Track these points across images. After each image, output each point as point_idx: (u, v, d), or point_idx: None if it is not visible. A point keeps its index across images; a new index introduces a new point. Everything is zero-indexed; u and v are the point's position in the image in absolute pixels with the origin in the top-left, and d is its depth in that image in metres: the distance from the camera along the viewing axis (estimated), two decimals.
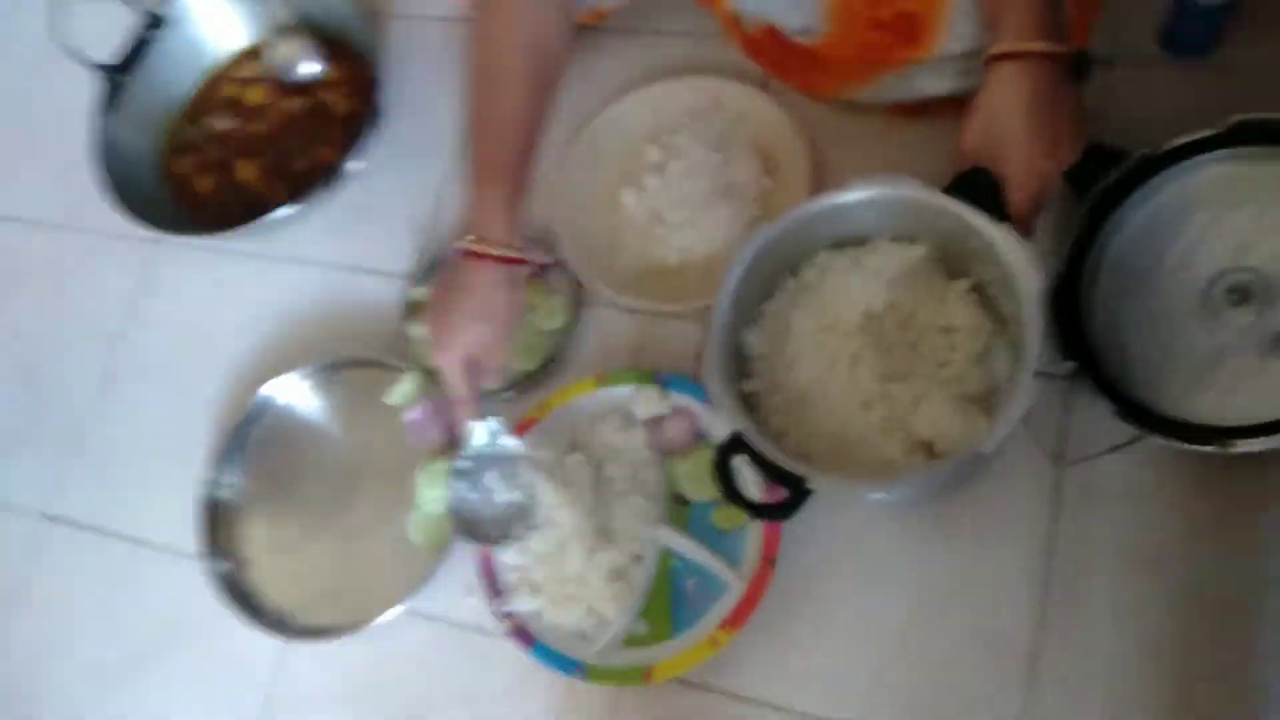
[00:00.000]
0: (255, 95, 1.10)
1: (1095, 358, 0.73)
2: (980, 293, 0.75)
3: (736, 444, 0.68)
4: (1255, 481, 0.70)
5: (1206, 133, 0.72)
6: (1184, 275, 0.72)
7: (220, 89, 1.12)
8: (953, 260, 0.75)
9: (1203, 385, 0.69)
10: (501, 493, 0.80)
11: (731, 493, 0.69)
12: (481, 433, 0.79)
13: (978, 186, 0.68)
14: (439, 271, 0.78)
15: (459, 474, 0.80)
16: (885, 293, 0.75)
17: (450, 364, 0.75)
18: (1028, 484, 0.75)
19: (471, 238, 0.74)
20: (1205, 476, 0.71)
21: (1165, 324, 0.72)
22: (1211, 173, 0.73)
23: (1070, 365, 0.72)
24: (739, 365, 0.75)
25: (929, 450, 0.71)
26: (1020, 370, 0.64)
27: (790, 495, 0.67)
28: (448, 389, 0.77)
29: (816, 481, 0.66)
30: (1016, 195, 0.67)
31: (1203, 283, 0.71)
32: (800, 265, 0.78)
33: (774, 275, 0.77)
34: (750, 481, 0.74)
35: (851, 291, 0.75)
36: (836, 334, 0.74)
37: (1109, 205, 0.75)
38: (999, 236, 0.66)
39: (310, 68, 1.08)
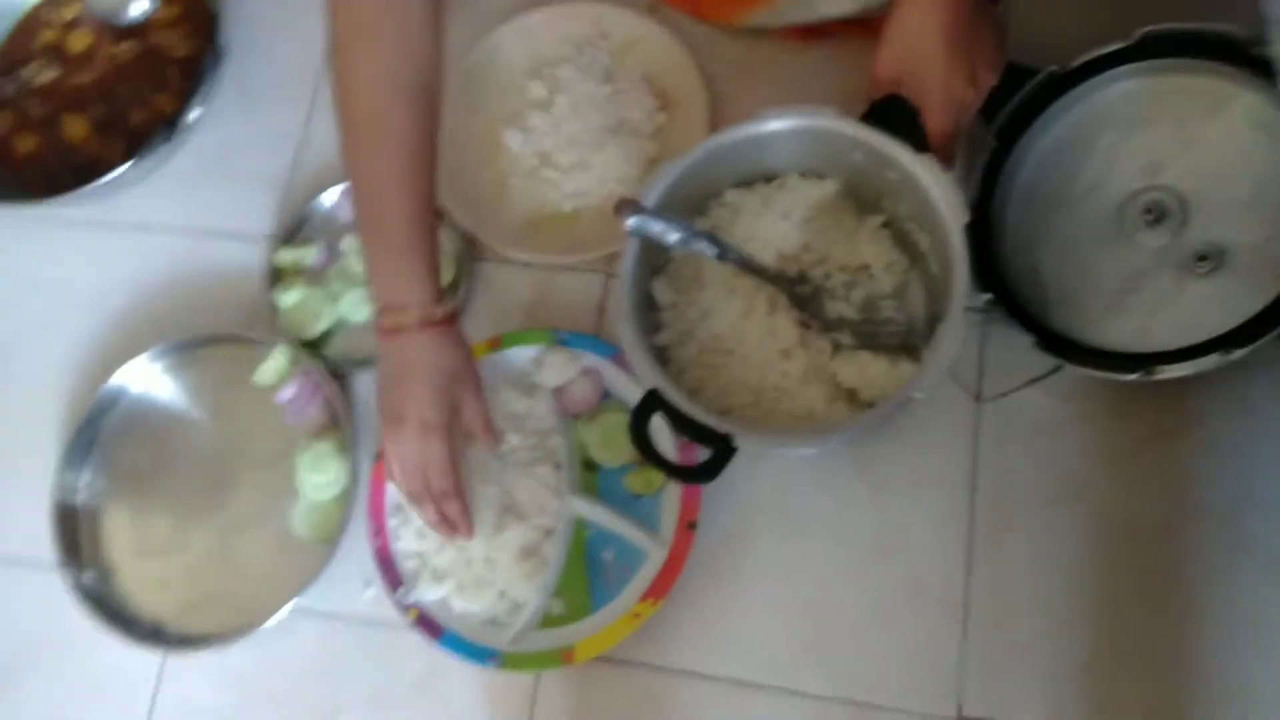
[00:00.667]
0: (79, 41, 0.97)
1: (1010, 287, 0.70)
2: (892, 228, 0.71)
3: (653, 403, 0.63)
4: (1176, 406, 0.69)
5: (1114, 46, 0.69)
6: (1097, 197, 0.70)
7: (37, 35, 0.99)
8: (864, 196, 0.72)
9: (1121, 310, 0.67)
10: None
11: (651, 455, 0.65)
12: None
13: (895, 115, 0.64)
14: (377, 365, 0.69)
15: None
16: (798, 233, 0.71)
17: (437, 445, 0.66)
18: (948, 423, 0.73)
19: (384, 313, 0.65)
20: (1126, 404, 0.70)
21: (1080, 249, 0.70)
22: (1122, 88, 0.70)
23: (986, 296, 0.69)
24: (648, 317, 0.70)
25: (852, 398, 0.68)
26: (950, 309, 0.61)
27: (713, 455, 0.63)
28: (431, 476, 0.67)
29: (742, 440, 0.62)
30: (936, 123, 0.64)
31: (1116, 204, 0.69)
32: (708, 205, 0.73)
33: (680, 217, 0.71)
34: (669, 442, 0.70)
35: (763, 232, 0.71)
36: (750, 279, 0.70)
37: (1017, 128, 0.72)
38: (920, 168, 0.63)
39: (140, 6, 0.96)
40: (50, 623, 0.82)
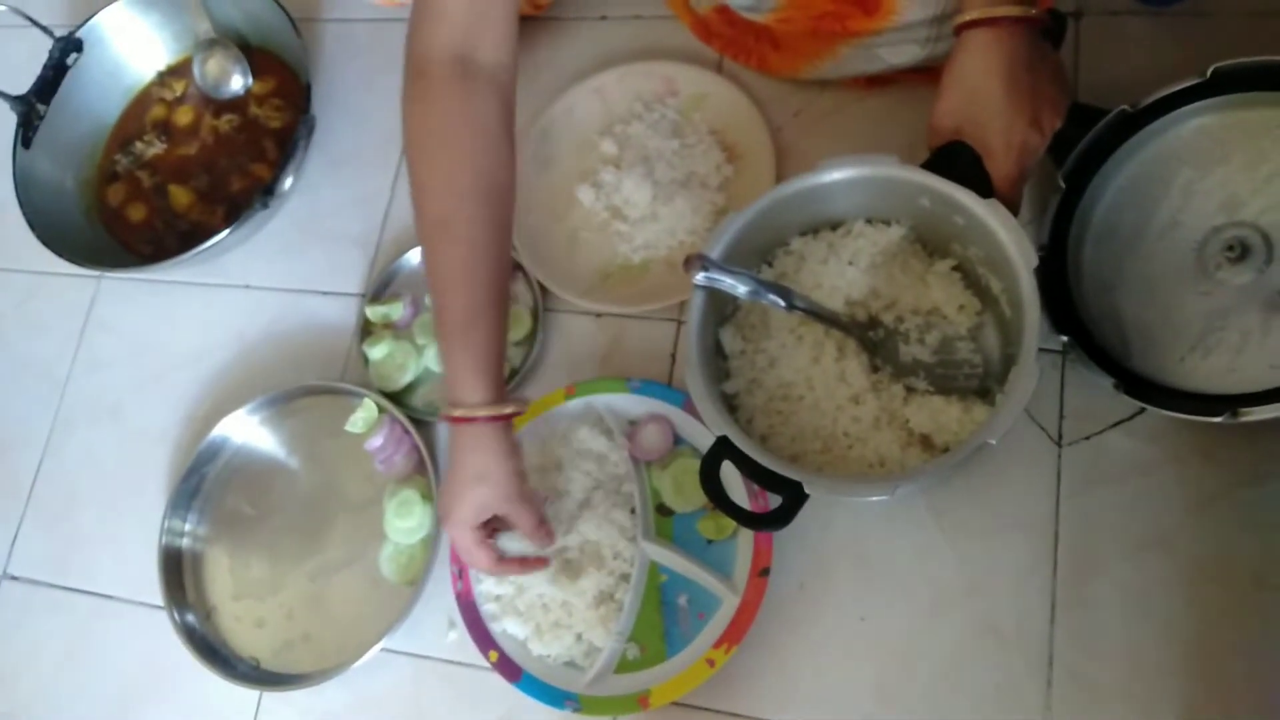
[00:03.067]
0: (183, 116, 1.05)
1: (1089, 329, 0.69)
2: (963, 272, 0.71)
3: (722, 450, 0.64)
4: (1266, 448, 0.67)
5: (1186, 84, 0.68)
6: (1175, 235, 0.69)
7: (147, 112, 1.07)
8: (932, 240, 0.72)
9: (1205, 350, 0.65)
10: None
11: (723, 502, 0.65)
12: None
13: (958, 161, 0.64)
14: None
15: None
16: (865, 278, 0.71)
17: (454, 533, 0.69)
18: (1028, 468, 0.71)
19: (450, 405, 0.67)
20: (1213, 446, 0.68)
21: (1160, 289, 0.68)
22: (1195, 125, 0.69)
23: (1064, 339, 0.68)
24: (717, 365, 0.71)
25: (925, 443, 0.67)
26: (1021, 351, 0.60)
27: (784, 502, 0.63)
28: (466, 560, 0.71)
29: (812, 486, 0.62)
30: (999, 168, 0.64)
31: (1196, 242, 0.67)
32: (773, 253, 0.74)
33: (746, 266, 0.73)
34: (741, 489, 0.70)
35: (830, 279, 0.71)
36: (818, 326, 0.70)
37: (1089, 168, 0.71)
38: (986, 212, 0.63)
39: (238, 82, 1.02)
40: (157, 661, 0.86)
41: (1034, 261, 0.62)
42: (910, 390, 0.69)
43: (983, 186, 0.64)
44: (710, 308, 0.70)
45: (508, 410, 0.67)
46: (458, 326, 0.66)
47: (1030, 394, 0.59)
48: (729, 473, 0.65)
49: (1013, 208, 0.64)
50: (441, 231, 0.66)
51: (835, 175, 0.69)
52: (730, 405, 0.70)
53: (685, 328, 0.68)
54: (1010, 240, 0.62)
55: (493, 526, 0.71)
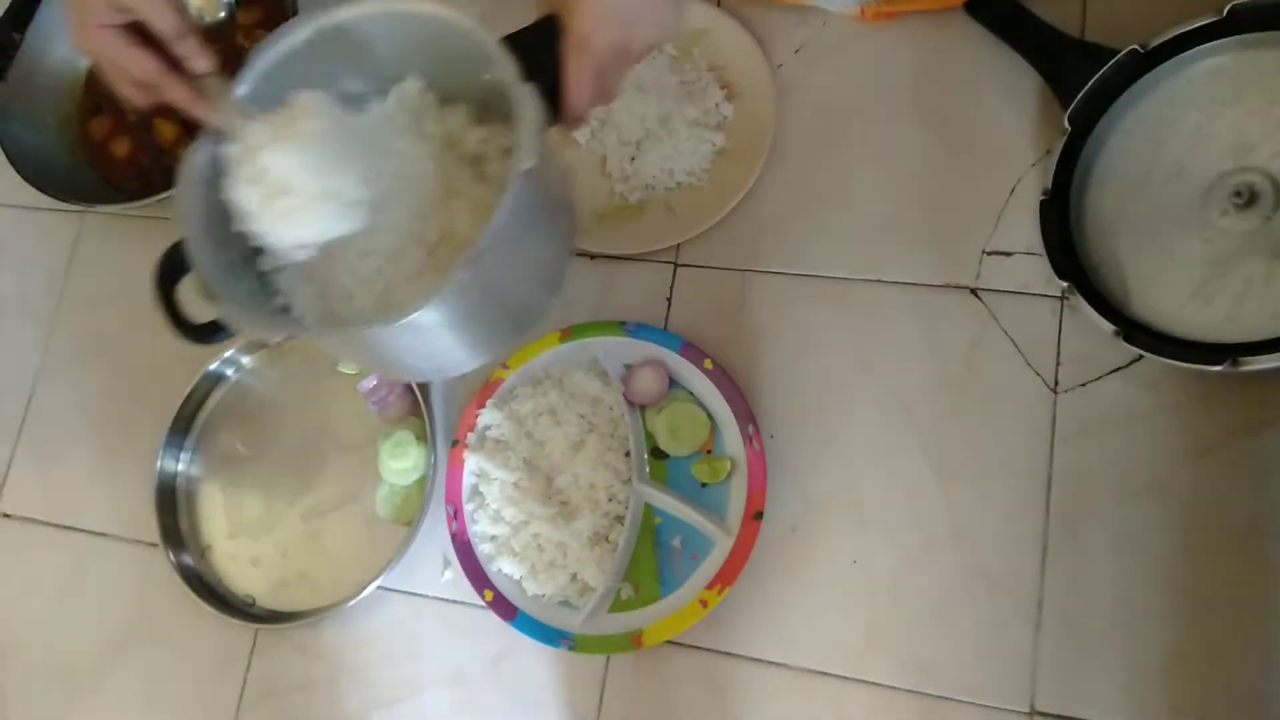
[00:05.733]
0: None
1: (1089, 275, 0.68)
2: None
3: (174, 261, 0.59)
4: (1264, 398, 0.66)
5: (1200, 22, 0.66)
6: (1182, 180, 0.67)
7: None
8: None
9: (1206, 298, 0.65)
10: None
11: (176, 320, 0.60)
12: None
13: (539, 34, 0.57)
14: None
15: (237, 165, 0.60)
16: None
17: (92, 44, 0.58)
18: (1022, 413, 0.71)
19: None
20: (1211, 395, 0.67)
21: (1163, 234, 0.67)
22: (1208, 66, 0.68)
23: (1064, 284, 0.67)
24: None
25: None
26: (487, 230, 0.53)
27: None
28: (115, 77, 0.59)
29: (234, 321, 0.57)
30: (575, 59, 0.57)
31: (1202, 187, 0.67)
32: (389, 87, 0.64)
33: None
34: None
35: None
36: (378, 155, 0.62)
37: (1096, 110, 0.70)
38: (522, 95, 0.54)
39: (224, 9, 0.99)
40: (152, 598, 0.87)
41: (528, 162, 0.53)
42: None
43: (547, 69, 0.56)
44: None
45: None
46: None
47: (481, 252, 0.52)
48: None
49: (575, 110, 0.58)
50: None
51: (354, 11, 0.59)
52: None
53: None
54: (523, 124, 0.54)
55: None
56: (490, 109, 0.63)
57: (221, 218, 0.60)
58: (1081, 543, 0.68)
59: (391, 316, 0.54)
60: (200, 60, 0.59)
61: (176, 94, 0.59)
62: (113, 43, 0.58)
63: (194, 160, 0.61)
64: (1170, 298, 0.66)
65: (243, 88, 0.60)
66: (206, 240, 0.60)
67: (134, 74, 0.59)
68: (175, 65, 0.59)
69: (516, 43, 0.57)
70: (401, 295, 0.60)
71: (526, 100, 0.54)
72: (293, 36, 0.61)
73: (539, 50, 0.57)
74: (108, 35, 0.58)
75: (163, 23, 0.58)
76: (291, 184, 0.58)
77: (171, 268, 0.60)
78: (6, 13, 0.97)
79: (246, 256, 0.62)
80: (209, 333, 0.59)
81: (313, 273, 0.63)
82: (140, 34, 0.58)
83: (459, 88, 0.63)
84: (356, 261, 0.61)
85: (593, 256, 0.84)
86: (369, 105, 0.64)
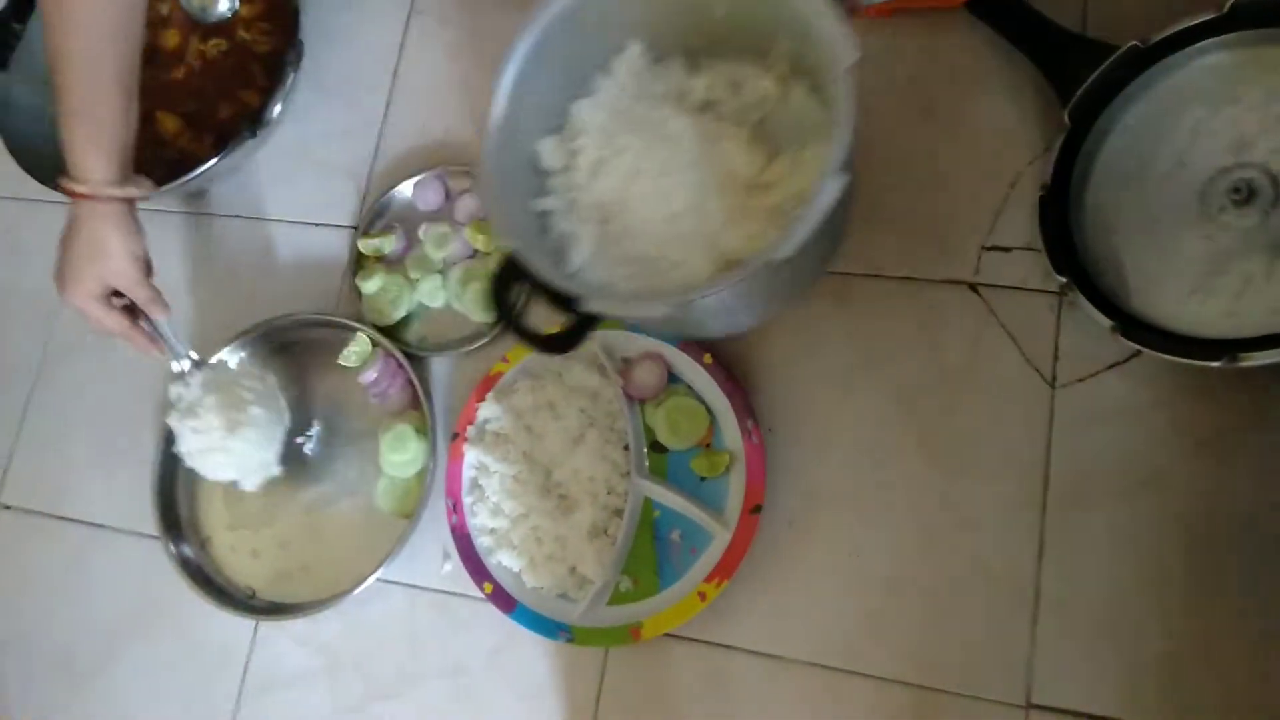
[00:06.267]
0: (169, 39, 1.01)
1: (1088, 271, 0.69)
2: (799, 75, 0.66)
3: (513, 270, 0.60)
4: (1261, 394, 0.67)
5: (1202, 18, 0.66)
6: (1181, 176, 0.68)
7: None
8: (759, 37, 0.66)
9: (1206, 294, 0.65)
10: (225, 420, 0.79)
11: (511, 323, 0.61)
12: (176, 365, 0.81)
13: None
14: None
15: (181, 414, 0.80)
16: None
17: (80, 304, 0.75)
18: (1020, 408, 0.71)
19: (71, 179, 0.73)
20: (1209, 391, 0.68)
21: (1162, 230, 0.67)
22: (1208, 62, 0.67)
23: (1063, 280, 0.67)
24: (530, 180, 0.67)
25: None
26: (825, 168, 0.54)
27: (572, 324, 0.59)
28: (95, 327, 0.76)
29: (593, 302, 0.58)
30: None
31: (1201, 183, 0.67)
32: (610, 62, 0.69)
33: (580, 71, 0.68)
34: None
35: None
36: (638, 137, 0.66)
37: (1096, 106, 0.70)
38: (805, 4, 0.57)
39: (225, 4, 0.99)
40: (151, 590, 0.87)
41: (852, 58, 0.55)
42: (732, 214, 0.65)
43: None
44: (520, 109, 0.64)
45: (133, 192, 0.74)
46: (84, 105, 0.71)
47: (828, 205, 0.53)
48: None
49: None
50: (64, 14, 0.69)
51: None
52: (543, 226, 0.66)
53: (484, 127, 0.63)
54: (827, 31, 0.56)
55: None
56: (700, 54, 0.67)
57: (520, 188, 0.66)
58: (1078, 537, 0.68)
59: (731, 277, 0.57)
60: (159, 310, 0.78)
61: (139, 343, 0.79)
62: (95, 307, 0.75)
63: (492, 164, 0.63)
64: (1169, 293, 0.66)
65: (508, 77, 0.64)
66: (527, 233, 0.63)
67: (109, 328, 0.76)
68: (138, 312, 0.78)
69: None
70: (729, 246, 0.64)
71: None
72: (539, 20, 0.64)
73: None
74: (92, 302, 0.74)
75: (139, 297, 0.76)
76: (227, 446, 0.78)
77: (506, 281, 0.60)
78: (8, 4, 0.97)
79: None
80: (563, 341, 0.60)
81: (613, 244, 0.67)
82: (114, 294, 0.76)
83: (672, 42, 0.68)
84: (663, 228, 0.64)
85: None
86: (593, 81, 0.68)
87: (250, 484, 0.81)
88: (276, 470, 0.82)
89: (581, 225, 0.67)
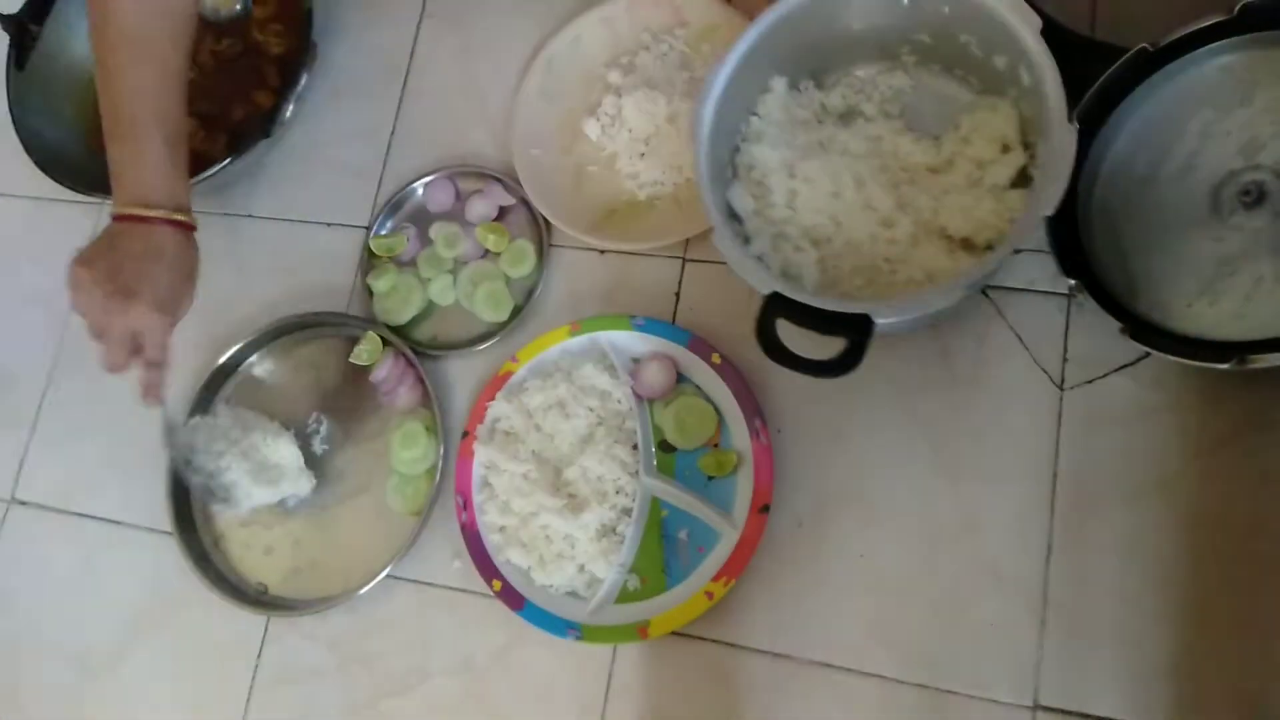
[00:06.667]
0: None
1: (1097, 272, 0.69)
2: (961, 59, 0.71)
3: (776, 307, 0.62)
4: (1270, 397, 0.67)
5: (1211, 20, 0.66)
6: (1190, 178, 0.68)
7: None
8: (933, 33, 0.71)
9: (1215, 296, 0.65)
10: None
11: (787, 359, 0.62)
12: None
13: None
14: (100, 241, 0.74)
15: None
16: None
17: (173, 326, 0.74)
18: (1028, 410, 0.72)
19: (130, 206, 0.73)
20: (1218, 393, 0.68)
21: (1171, 233, 0.67)
22: (1218, 64, 0.68)
23: (1072, 282, 0.67)
24: (735, 227, 0.70)
25: (968, 245, 0.67)
26: (1049, 120, 0.59)
27: (850, 343, 0.60)
28: (159, 348, 0.74)
29: (881, 311, 0.60)
30: None
31: (1211, 185, 0.67)
32: (756, 101, 0.74)
33: (736, 118, 0.72)
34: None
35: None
36: (825, 164, 0.70)
37: (1105, 108, 0.70)
38: None
39: (239, 5, 1.00)
40: (167, 586, 0.88)
41: (1038, 23, 0.61)
42: (937, 198, 0.69)
43: None
44: (714, 169, 0.68)
45: (194, 221, 0.76)
46: (178, 131, 0.74)
47: (1073, 154, 0.58)
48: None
49: None
50: (131, 46, 0.72)
51: None
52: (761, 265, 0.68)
53: (698, 190, 0.67)
54: (1008, 10, 0.62)
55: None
56: (821, 72, 0.75)
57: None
58: (1087, 539, 0.68)
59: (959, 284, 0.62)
60: (152, 397, 0.77)
61: (156, 380, 0.76)
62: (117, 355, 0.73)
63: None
64: (1178, 295, 0.66)
65: (719, 82, 0.69)
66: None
67: (165, 355, 0.75)
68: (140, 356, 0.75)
69: None
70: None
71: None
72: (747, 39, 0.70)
73: None
74: (115, 348, 0.73)
75: (153, 355, 0.74)
76: (260, 486, 0.82)
77: (769, 320, 0.63)
78: (25, 6, 0.98)
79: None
80: (846, 362, 0.61)
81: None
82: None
83: (799, 67, 0.74)
84: (881, 231, 0.68)
85: (602, 252, 0.85)
86: (745, 124, 0.74)
87: (299, 493, 0.85)
88: (307, 476, 0.85)
89: (799, 254, 0.70)
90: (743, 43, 0.68)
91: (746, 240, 0.71)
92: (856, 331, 0.60)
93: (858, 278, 0.68)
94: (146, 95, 0.73)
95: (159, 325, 0.73)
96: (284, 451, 0.84)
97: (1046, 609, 0.68)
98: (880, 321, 0.60)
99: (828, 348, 0.61)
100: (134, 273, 0.72)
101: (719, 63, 0.68)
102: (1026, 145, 0.68)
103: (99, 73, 0.74)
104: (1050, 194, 0.58)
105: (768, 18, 0.68)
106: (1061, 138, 0.59)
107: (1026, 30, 0.61)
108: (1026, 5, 0.61)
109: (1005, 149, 0.69)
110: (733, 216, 0.72)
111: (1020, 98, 0.67)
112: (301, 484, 0.84)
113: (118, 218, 0.74)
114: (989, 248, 0.67)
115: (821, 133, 0.73)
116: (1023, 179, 0.68)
